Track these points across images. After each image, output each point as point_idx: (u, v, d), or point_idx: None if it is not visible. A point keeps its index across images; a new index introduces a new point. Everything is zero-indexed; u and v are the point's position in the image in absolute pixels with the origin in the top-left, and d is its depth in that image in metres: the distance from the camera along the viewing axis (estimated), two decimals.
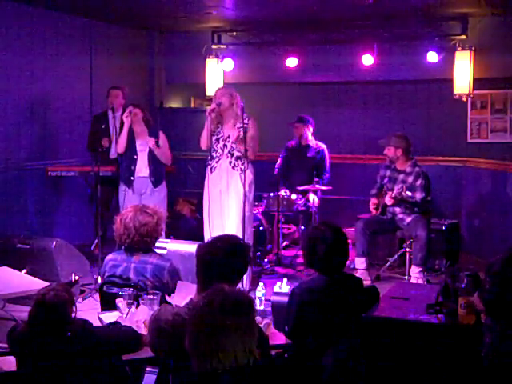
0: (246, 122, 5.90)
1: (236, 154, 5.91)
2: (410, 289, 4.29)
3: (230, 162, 5.92)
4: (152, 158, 6.36)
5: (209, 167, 6.03)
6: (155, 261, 4.06)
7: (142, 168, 6.36)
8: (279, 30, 8.21)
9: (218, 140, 5.98)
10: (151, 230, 4.11)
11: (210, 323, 2.25)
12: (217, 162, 5.98)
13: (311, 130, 7.58)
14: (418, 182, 6.33)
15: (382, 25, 7.81)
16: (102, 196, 6.36)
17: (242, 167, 5.88)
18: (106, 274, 4.16)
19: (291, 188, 7.35)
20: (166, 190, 6.51)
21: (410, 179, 6.38)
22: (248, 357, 2.26)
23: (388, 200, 6.39)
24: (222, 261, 3.06)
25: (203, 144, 6.03)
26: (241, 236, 5.70)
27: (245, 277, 5.85)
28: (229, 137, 5.92)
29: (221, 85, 8.36)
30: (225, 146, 5.94)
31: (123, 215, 4.16)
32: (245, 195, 5.83)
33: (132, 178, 6.34)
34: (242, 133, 5.82)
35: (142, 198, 6.30)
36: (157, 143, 6.34)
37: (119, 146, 6.39)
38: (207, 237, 5.63)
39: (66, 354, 2.98)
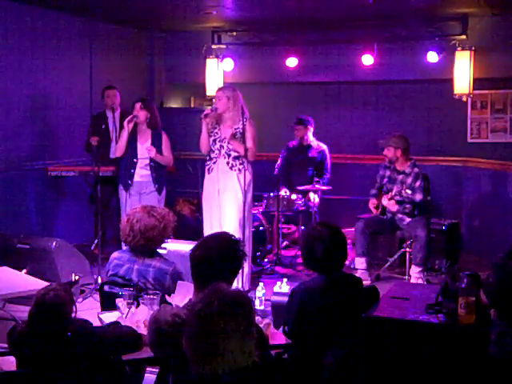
0: (242, 122, 5.88)
1: (233, 154, 5.90)
2: (410, 289, 4.28)
3: (228, 163, 5.91)
4: (154, 166, 6.22)
5: (206, 168, 6.03)
6: (158, 264, 4.02)
7: (141, 172, 6.24)
8: (279, 29, 8.22)
9: (214, 141, 5.97)
10: (157, 235, 4.06)
11: (209, 326, 2.24)
12: (214, 162, 5.97)
13: (312, 130, 7.58)
14: (418, 184, 6.33)
15: (381, 25, 7.81)
16: (102, 196, 6.33)
17: (240, 167, 5.87)
18: (110, 273, 4.13)
19: (291, 188, 7.36)
20: (166, 190, 6.47)
21: (409, 180, 6.38)
22: (247, 359, 2.26)
23: (385, 202, 6.40)
24: (215, 260, 3.06)
25: (203, 148, 6.03)
26: (238, 236, 5.71)
27: (244, 277, 5.89)
28: (225, 138, 5.90)
29: (221, 85, 8.36)
30: (221, 146, 5.93)
31: (131, 216, 4.07)
32: (244, 195, 5.82)
33: (130, 181, 6.23)
34: (237, 132, 5.81)
35: (142, 196, 6.23)
36: (160, 149, 6.22)
37: (118, 151, 6.26)
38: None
39: (66, 354, 2.98)
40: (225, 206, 5.92)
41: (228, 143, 5.88)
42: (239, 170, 5.87)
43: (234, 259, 3.16)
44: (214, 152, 5.98)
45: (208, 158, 6.03)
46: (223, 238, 3.23)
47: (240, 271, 5.67)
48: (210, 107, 6.12)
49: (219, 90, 6.11)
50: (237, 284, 5.65)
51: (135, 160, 6.23)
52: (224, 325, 2.23)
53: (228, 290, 2.40)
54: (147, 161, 6.24)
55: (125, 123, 6.17)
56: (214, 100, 8.27)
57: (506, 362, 2.98)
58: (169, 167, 6.57)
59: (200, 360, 2.24)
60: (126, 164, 6.26)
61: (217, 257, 3.07)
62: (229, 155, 5.91)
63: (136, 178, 6.24)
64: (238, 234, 5.69)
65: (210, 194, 5.99)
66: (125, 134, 6.18)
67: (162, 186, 6.33)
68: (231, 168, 5.90)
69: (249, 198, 5.98)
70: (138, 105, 6.23)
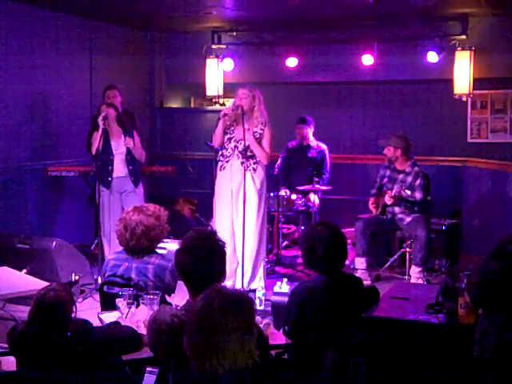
0: (262, 126, 5.84)
1: (247, 153, 5.81)
2: (410, 289, 4.28)
3: (242, 163, 5.79)
4: (130, 159, 6.34)
5: (219, 165, 5.94)
6: (157, 261, 4.05)
7: (120, 168, 6.33)
8: (279, 29, 8.21)
9: (229, 140, 5.88)
10: (159, 233, 4.10)
11: (210, 324, 2.25)
12: (227, 161, 5.88)
13: (312, 129, 7.59)
14: (417, 182, 6.34)
15: (382, 25, 7.81)
16: None
17: (254, 166, 5.83)
18: (107, 274, 4.14)
19: (291, 188, 7.35)
20: (143, 187, 6.53)
21: (410, 179, 6.39)
22: (247, 358, 2.26)
23: (387, 199, 6.40)
24: (200, 262, 3.05)
25: (216, 142, 5.93)
26: (254, 234, 5.80)
27: (261, 275, 5.88)
28: (241, 139, 5.80)
29: (221, 85, 8.36)
30: (236, 146, 5.85)
31: (127, 220, 4.08)
32: (259, 193, 5.83)
33: (110, 178, 6.29)
34: (255, 135, 5.77)
35: (123, 196, 6.32)
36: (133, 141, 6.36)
37: (93, 148, 6.27)
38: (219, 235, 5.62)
39: (66, 354, 2.98)
40: (240, 206, 5.80)
41: (245, 144, 5.79)
42: (253, 169, 5.82)
43: (217, 252, 3.15)
44: (227, 150, 5.89)
45: (221, 154, 5.95)
46: (199, 236, 3.21)
47: (251, 270, 5.75)
48: (222, 107, 6.01)
49: (243, 88, 5.87)
50: (249, 281, 5.77)
51: (111, 157, 6.32)
52: (225, 323, 2.24)
53: (229, 289, 2.41)
54: (123, 156, 6.33)
55: (99, 121, 6.16)
56: (216, 99, 8.31)
57: (488, 361, 2.99)
58: (142, 164, 6.66)
59: (201, 358, 2.24)
60: (103, 162, 6.28)
61: (200, 258, 3.06)
62: (242, 154, 5.84)
63: (115, 174, 6.32)
64: (254, 233, 5.80)
65: (222, 194, 5.90)
66: (99, 132, 6.17)
67: (138, 179, 6.44)
68: (245, 168, 5.81)
69: (263, 195, 5.95)
70: (103, 106, 6.37)
